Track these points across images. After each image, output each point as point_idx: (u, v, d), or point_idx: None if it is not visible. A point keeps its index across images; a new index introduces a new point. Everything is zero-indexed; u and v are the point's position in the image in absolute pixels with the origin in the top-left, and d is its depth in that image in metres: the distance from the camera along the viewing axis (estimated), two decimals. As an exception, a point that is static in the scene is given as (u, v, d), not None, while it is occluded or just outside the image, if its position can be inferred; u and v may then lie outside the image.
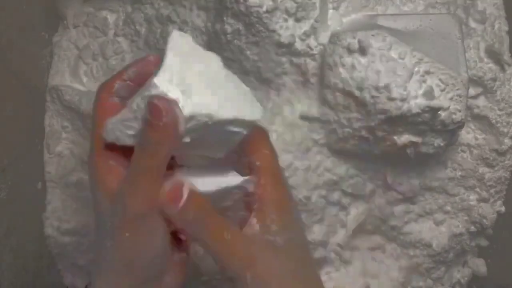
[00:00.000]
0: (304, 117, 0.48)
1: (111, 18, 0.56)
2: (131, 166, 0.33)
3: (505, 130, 0.51)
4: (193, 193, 0.34)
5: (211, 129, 0.34)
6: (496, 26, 0.52)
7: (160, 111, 0.32)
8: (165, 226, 0.35)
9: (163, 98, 0.32)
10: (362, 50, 0.43)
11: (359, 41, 0.43)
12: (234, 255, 0.35)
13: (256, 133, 0.37)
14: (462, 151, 0.52)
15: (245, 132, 0.35)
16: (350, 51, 0.44)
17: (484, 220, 0.53)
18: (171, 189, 0.34)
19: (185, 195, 0.34)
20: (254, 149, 0.37)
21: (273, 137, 0.48)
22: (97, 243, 0.37)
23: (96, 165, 0.35)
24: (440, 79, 0.43)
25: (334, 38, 0.44)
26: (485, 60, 0.51)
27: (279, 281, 0.35)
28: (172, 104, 0.32)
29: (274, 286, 0.35)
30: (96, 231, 0.37)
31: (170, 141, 0.32)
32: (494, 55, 0.51)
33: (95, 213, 0.36)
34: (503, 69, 0.51)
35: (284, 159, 0.48)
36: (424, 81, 0.43)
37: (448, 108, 0.43)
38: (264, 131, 0.38)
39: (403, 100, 0.42)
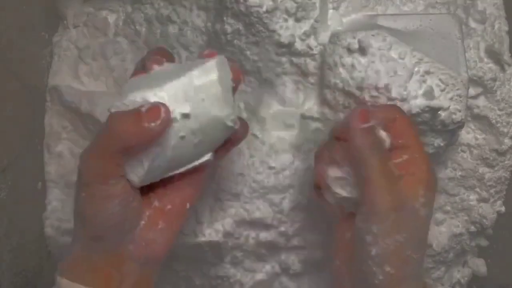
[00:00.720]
0: (304, 117, 0.48)
1: (111, 18, 0.56)
2: (96, 135, 0.36)
3: (505, 130, 0.51)
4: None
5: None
6: (496, 26, 0.52)
7: (157, 116, 0.34)
8: (123, 197, 0.36)
9: (167, 108, 0.34)
10: (362, 50, 0.43)
11: (359, 41, 0.43)
12: (389, 195, 0.35)
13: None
14: (462, 151, 0.52)
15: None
16: (350, 51, 0.44)
17: (484, 220, 0.53)
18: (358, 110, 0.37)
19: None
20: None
21: (273, 137, 0.48)
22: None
23: None
24: (440, 79, 0.43)
25: (334, 38, 0.44)
26: (485, 60, 0.51)
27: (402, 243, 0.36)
28: (169, 117, 0.34)
29: (395, 245, 0.35)
30: None
31: (144, 141, 0.35)
32: (494, 55, 0.51)
33: None
34: (503, 69, 0.51)
35: (284, 159, 0.48)
36: (424, 81, 0.43)
37: (448, 108, 0.43)
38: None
39: (403, 100, 0.42)
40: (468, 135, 0.52)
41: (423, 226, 0.37)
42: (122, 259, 0.38)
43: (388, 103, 0.42)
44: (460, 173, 0.52)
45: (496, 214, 0.54)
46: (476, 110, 0.51)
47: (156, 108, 0.34)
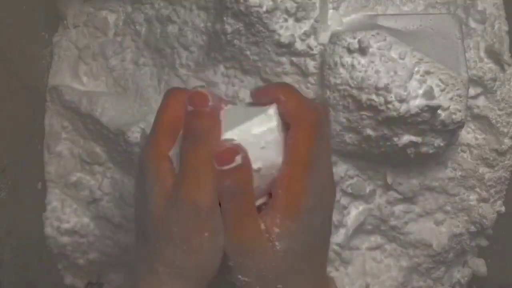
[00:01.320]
0: None
1: (111, 18, 0.56)
2: (184, 162, 0.32)
3: (505, 130, 0.51)
4: (245, 165, 0.32)
5: None
6: (496, 26, 0.52)
7: (206, 97, 0.32)
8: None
9: (205, 87, 0.32)
10: (362, 50, 0.43)
11: (359, 41, 0.43)
12: (241, 239, 0.33)
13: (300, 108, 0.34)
14: (462, 151, 0.52)
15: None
16: (350, 51, 0.44)
17: (484, 220, 0.53)
18: (226, 149, 0.32)
19: (237, 161, 0.31)
20: (293, 124, 0.33)
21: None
22: (143, 253, 0.35)
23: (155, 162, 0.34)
24: (440, 79, 0.43)
25: (334, 38, 0.44)
26: (485, 60, 0.51)
27: (262, 283, 0.34)
28: (212, 92, 0.32)
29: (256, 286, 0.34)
30: (143, 240, 0.35)
31: (218, 126, 0.32)
32: (494, 55, 0.51)
33: (144, 221, 0.35)
34: (503, 69, 0.51)
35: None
36: (424, 81, 0.43)
37: (448, 108, 0.43)
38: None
39: (403, 100, 0.42)
40: (468, 135, 0.52)
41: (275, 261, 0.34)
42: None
43: (388, 102, 0.42)
44: (460, 173, 0.52)
45: (496, 214, 0.54)
46: (476, 110, 0.51)
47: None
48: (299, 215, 0.33)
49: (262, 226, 0.33)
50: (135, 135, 0.50)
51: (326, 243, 0.37)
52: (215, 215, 0.32)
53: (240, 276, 0.34)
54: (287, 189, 0.33)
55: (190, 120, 0.32)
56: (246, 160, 0.32)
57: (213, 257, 0.33)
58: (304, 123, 0.33)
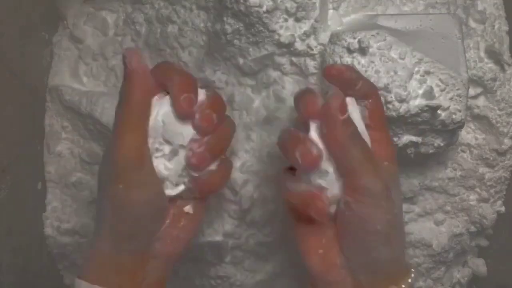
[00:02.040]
0: None
1: (111, 18, 0.56)
2: (114, 121, 0.36)
3: (505, 130, 0.51)
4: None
5: None
6: (496, 26, 0.52)
7: (129, 59, 0.36)
8: (159, 182, 0.37)
9: (132, 49, 0.36)
10: (362, 50, 0.43)
11: (359, 41, 0.43)
12: (377, 178, 0.35)
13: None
14: (462, 151, 0.52)
15: None
16: (350, 51, 0.44)
17: (484, 220, 0.53)
18: (338, 100, 0.35)
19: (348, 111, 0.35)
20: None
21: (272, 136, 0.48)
22: (97, 208, 0.39)
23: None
24: (440, 79, 0.43)
25: (334, 38, 0.44)
26: (485, 60, 0.51)
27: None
28: (138, 53, 0.36)
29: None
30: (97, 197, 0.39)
31: (140, 84, 0.36)
32: (494, 55, 0.51)
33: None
34: (503, 69, 0.51)
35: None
36: (424, 81, 0.43)
37: (448, 108, 0.43)
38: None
39: (403, 100, 0.42)
40: (468, 135, 0.52)
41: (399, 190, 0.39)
42: (147, 257, 0.38)
43: (388, 103, 0.42)
44: (460, 173, 0.52)
45: (496, 214, 0.54)
46: (476, 110, 0.51)
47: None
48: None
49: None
50: None
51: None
52: (139, 173, 0.36)
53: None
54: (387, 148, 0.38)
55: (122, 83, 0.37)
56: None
57: (136, 210, 0.36)
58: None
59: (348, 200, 0.36)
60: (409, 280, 0.37)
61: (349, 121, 0.35)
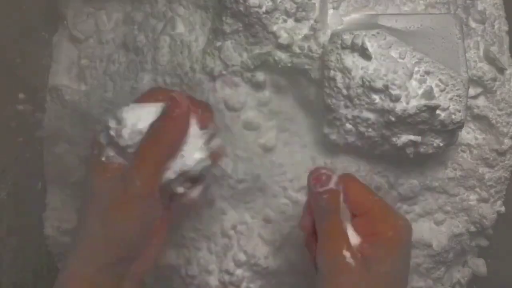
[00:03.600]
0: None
1: (111, 18, 0.56)
2: (139, 150, 0.36)
3: (505, 130, 0.51)
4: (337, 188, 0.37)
5: None
6: (496, 26, 0.52)
7: (177, 102, 0.36)
8: (159, 212, 0.37)
9: (183, 93, 0.37)
10: (362, 50, 0.43)
11: (359, 41, 0.43)
12: (335, 256, 0.36)
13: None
14: (462, 151, 0.52)
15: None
16: (350, 50, 0.44)
17: (484, 220, 0.53)
18: (323, 173, 0.37)
19: (331, 185, 0.37)
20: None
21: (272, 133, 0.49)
22: (79, 221, 0.39)
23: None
24: (440, 79, 0.43)
25: (334, 37, 0.44)
26: (485, 60, 0.51)
27: None
28: (186, 99, 0.37)
29: None
30: (81, 209, 0.39)
31: (180, 130, 0.36)
32: (491, 60, 0.50)
33: (85, 190, 0.39)
34: (502, 69, 0.51)
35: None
36: (424, 81, 0.43)
37: (447, 108, 0.43)
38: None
39: (402, 100, 0.42)
40: (468, 135, 0.52)
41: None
42: (123, 281, 0.38)
43: (388, 102, 0.42)
44: (460, 173, 0.52)
45: (496, 214, 0.54)
46: (476, 110, 0.51)
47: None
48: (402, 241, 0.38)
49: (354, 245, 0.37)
50: None
51: (407, 277, 0.40)
52: (144, 204, 0.36)
53: None
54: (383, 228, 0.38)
55: (158, 120, 0.37)
56: (338, 185, 0.37)
57: (127, 238, 0.37)
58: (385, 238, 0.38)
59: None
60: None
61: (323, 195, 0.37)
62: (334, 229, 0.37)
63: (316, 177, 0.37)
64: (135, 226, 0.36)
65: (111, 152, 0.37)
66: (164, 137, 0.36)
